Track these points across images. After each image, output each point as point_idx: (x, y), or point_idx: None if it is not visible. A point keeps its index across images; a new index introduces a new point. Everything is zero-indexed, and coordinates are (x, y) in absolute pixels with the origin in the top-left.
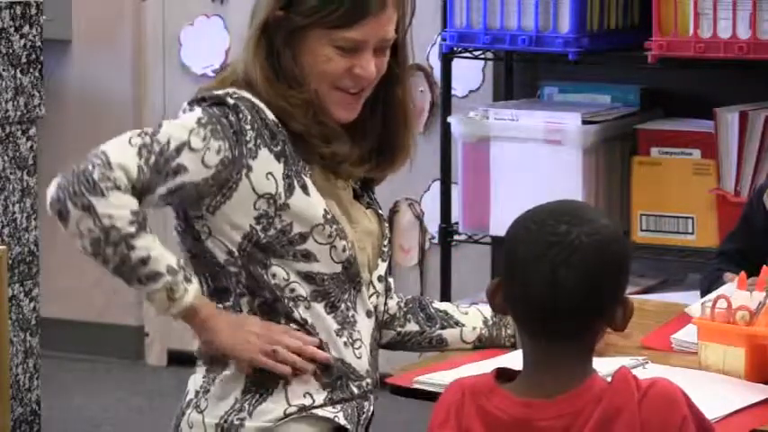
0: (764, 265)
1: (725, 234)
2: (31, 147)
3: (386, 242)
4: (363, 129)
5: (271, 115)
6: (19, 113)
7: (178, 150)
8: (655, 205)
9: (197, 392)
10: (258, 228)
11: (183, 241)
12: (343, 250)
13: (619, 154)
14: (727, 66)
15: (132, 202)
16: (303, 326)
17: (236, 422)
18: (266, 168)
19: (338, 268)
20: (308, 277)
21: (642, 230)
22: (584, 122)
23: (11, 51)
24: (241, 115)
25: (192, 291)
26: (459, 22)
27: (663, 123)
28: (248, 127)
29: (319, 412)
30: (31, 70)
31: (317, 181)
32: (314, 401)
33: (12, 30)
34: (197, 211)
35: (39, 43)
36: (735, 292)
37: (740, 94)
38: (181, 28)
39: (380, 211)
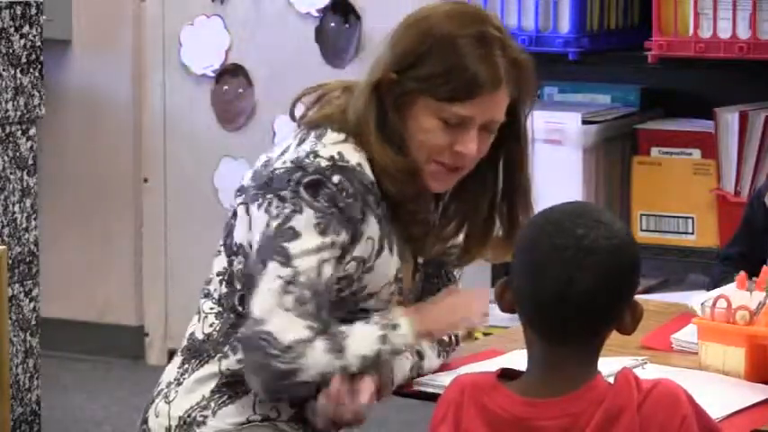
0: (764, 265)
1: (725, 234)
2: (31, 147)
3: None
4: (476, 206)
5: (370, 174)
6: (19, 113)
7: (320, 273)
8: (655, 205)
9: (169, 383)
10: (335, 288)
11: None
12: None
13: (619, 154)
14: (728, 66)
15: (321, 345)
16: None
17: (199, 418)
18: (369, 233)
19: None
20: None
21: (642, 230)
22: (584, 122)
23: (11, 51)
24: (345, 194)
25: (403, 325)
26: None
27: (663, 123)
28: (352, 201)
29: (282, 426)
30: (31, 70)
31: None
32: (279, 415)
33: (12, 30)
34: None
35: (39, 43)
36: (735, 292)
37: (740, 94)
38: (181, 28)
39: (419, 261)
